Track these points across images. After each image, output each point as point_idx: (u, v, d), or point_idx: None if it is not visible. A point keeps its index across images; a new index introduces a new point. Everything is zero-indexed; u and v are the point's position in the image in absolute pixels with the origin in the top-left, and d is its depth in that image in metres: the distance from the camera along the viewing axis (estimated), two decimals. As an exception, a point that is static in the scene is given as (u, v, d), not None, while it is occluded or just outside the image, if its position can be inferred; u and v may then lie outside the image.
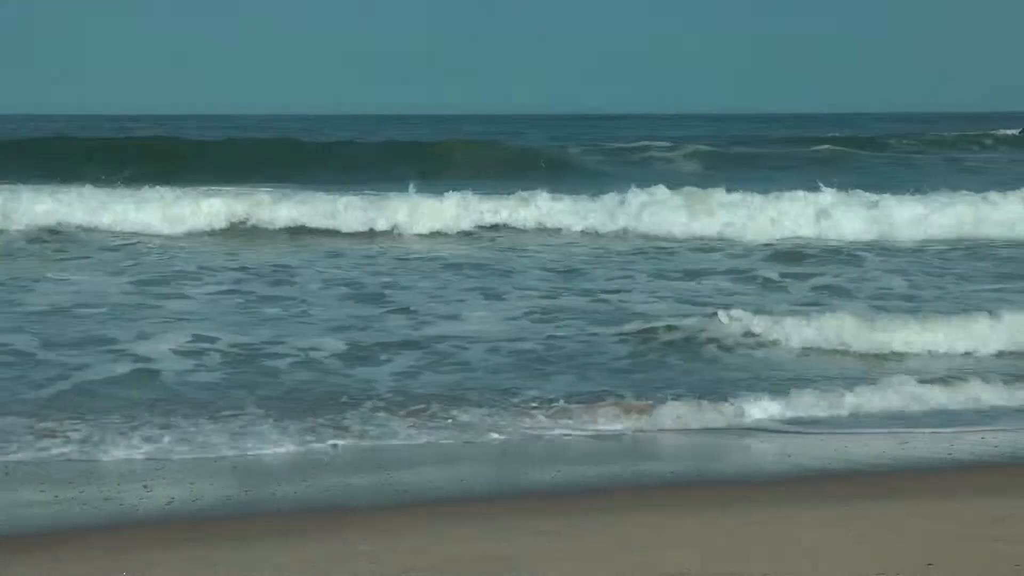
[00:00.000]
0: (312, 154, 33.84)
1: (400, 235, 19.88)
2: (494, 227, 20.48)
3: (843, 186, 21.75)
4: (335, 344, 10.39)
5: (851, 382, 9.19)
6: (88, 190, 20.33)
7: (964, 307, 12.04)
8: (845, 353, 10.52)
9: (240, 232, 19.76)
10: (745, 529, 5.82)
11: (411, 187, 20.86)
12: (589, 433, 8.10)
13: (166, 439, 7.63)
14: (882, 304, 12.89)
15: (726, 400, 8.63)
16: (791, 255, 17.59)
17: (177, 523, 6.17)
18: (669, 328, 10.98)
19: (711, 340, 10.67)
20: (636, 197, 21.16)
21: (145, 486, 6.78)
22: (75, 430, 7.73)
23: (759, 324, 10.92)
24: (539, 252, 17.81)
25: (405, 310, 12.22)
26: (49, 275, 14.56)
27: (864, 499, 6.46)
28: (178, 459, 7.35)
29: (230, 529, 6.01)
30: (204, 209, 20.07)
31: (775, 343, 10.68)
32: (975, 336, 10.74)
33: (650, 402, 8.57)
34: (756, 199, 21.12)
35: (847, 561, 5.18)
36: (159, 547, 5.66)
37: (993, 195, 21.73)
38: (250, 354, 10.05)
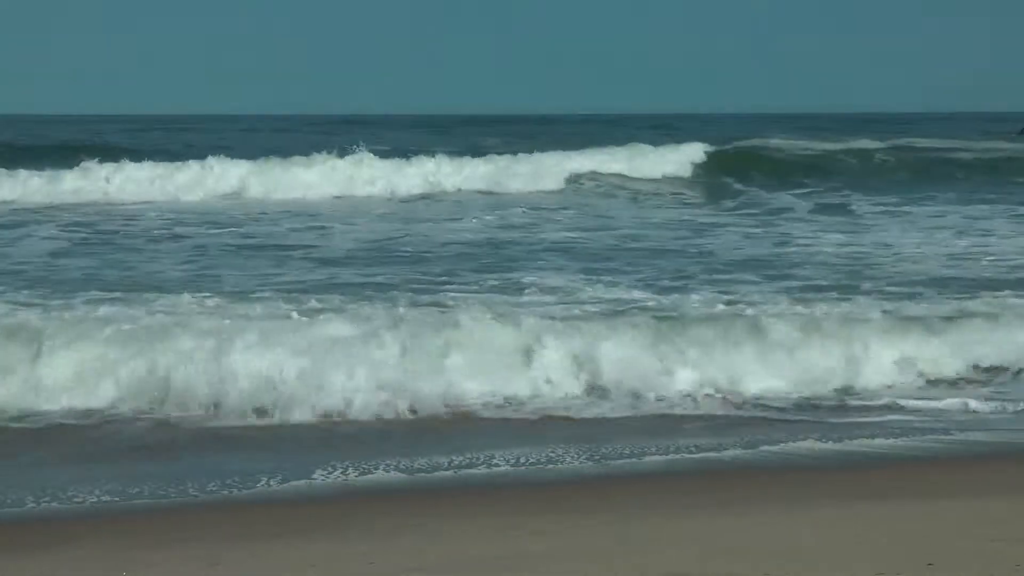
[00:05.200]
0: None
1: None
2: None
3: None
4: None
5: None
6: None
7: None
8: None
9: None
10: (745, 529, 5.82)
11: None
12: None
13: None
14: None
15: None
16: None
17: (177, 523, 6.17)
18: None
19: None
20: None
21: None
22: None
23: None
24: None
25: None
26: None
27: (864, 499, 6.46)
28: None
29: (230, 528, 6.02)
30: None
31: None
32: None
33: None
34: None
35: (847, 561, 5.17)
36: (159, 547, 5.66)
37: None
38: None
